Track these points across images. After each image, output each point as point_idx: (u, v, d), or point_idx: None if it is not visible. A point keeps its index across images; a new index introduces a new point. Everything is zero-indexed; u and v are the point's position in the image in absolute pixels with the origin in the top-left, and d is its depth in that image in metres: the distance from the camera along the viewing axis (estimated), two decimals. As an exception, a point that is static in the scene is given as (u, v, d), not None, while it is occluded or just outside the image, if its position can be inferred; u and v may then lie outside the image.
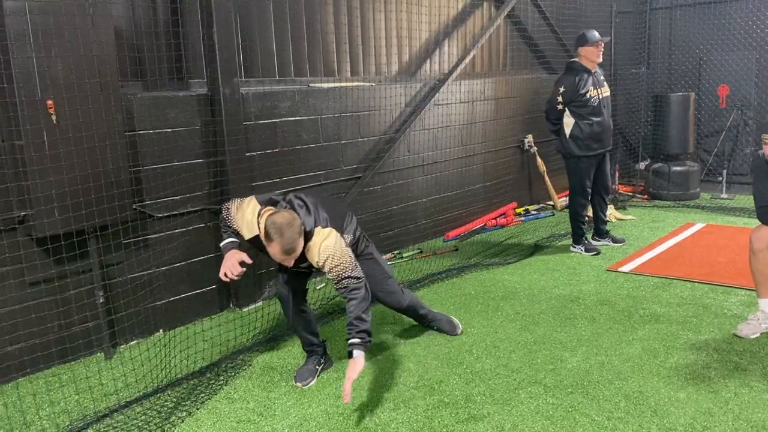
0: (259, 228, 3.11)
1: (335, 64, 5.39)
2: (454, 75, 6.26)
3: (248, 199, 3.32)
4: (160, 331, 4.31)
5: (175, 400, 3.38)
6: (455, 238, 6.45)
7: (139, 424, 3.14)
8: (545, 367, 3.57)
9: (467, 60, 6.40)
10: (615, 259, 5.48)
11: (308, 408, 3.26)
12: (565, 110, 5.49)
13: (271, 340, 4.10)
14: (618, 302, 4.49)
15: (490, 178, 7.05)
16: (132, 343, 4.15)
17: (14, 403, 3.40)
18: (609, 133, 5.61)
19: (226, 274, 3.26)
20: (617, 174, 8.00)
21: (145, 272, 4.16)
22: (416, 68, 6.15)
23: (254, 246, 3.27)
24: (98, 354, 3.97)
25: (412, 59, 6.10)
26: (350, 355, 3.04)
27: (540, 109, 6.60)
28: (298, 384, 3.49)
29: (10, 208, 3.56)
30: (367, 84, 5.59)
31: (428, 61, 6.25)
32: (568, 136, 5.52)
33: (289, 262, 3.08)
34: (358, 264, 3.17)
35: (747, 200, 7.04)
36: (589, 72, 5.45)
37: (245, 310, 4.66)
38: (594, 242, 5.87)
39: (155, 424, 3.13)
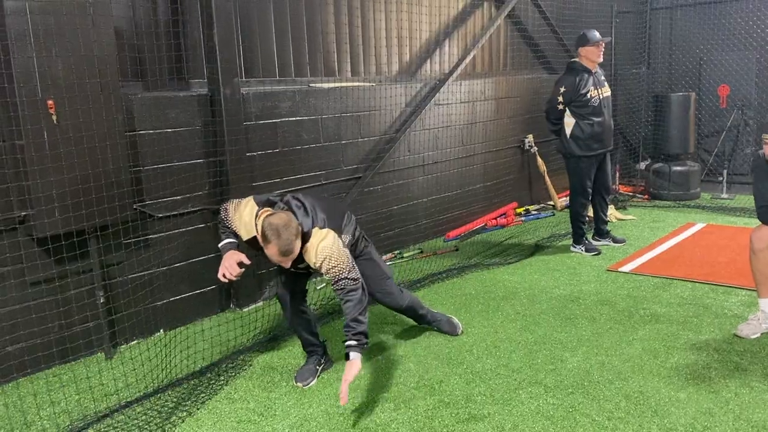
0: (256, 229, 3.11)
1: (336, 64, 5.39)
2: (455, 75, 6.26)
3: (246, 199, 3.31)
4: (161, 331, 4.31)
5: (175, 400, 3.38)
6: (456, 238, 6.45)
7: (140, 424, 3.14)
8: (546, 367, 3.57)
9: (468, 60, 6.40)
10: (615, 259, 5.48)
11: (309, 408, 3.26)
12: (565, 110, 5.49)
13: (271, 340, 4.10)
14: (618, 302, 4.49)
15: (490, 178, 7.05)
16: (132, 343, 4.15)
17: (15, 403, 3.40)
18: (609, 133, 5.61)
19: (224, 275, 3.26)
20: (618, 174, 8.00)
21: (145, 272, 4.16)
22: (417, 68, 6.15)
23: (252, 247, 3.26)
24: (99, 354, 3.97)
25: (413, 59, 6.10)
26: (347, 357, 3.03)
27: (540, 109, 6.60)
28: (299, 384, 3.49)
29: (10, 208, 3.57)
30: (368, 84, 5.59)
31: (429, 61, 6.25)
32: (568, 136, 5.52)
33: (287, 264, 3.07)
34: (355, 265, 3.16)
35: (747, 200, 7.03)
36: (589, 72, 5.45)
37: (245, 310, 4.66)
38: (594, 242, 5.87)
39: (156, 424, 3.13)
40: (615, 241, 5.93)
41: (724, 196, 7.81)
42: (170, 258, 4.31)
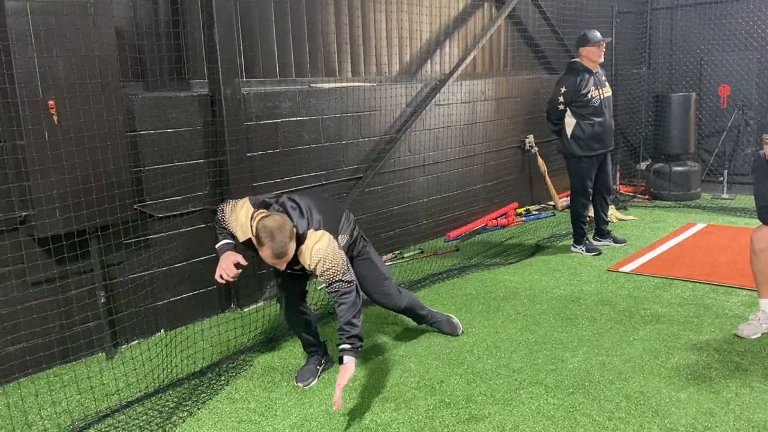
0: (252, 231, 3.10)
1: (336, 64, 5.39)
2: (455, 75, 6.26)
3: (242, 201, 3.30)
4: (161, 331, 4.32)
5: (176, 400, 3.39)
6: (456, 238, 6.45)
7: (141, 424, 3.14)
8: (546, 367, 3.57)
9: (468, 60, 6.40)
10: (616, 260, 5.48)
11: (309, 408, 3.27)
12: (566, 110, 5.49)
13: (272, 340, 4.10)
14: (619, 302, 4.49)
15: (491, 179, 7.05)
16: (133, 343, 4.15)
17: (16, 403, 3.41)
18: (610, 133, 5.61)
19: (221, 276, 3.25)
20: (618, 174, 7.99)
21: (146, 272, 4.17)
22: (417, 68, 6.15)
23: (249, 248, 3.25)
24: (100, 354, 3.98)
25: (413, 59, 6.11)
26: (340, 360, 3.02)
27: (541, 110, 6.61)
28: (300, 384, 3.50)
29: (11, 208, 3.57)
30: (368, 84, 5.59)
31: (429, 61, 6.26)
32: (569, 137, 5.52)
33: (281, 266, 3.06)
34: (350, 268, 3.14)
35: (748, 200, 7.03)
36: (590, 72, 5.45)
37: (246, 310, 4.66)
38: (595, 242, 5.87)
39: (156, 424, 3.13)
40: (616, 241, 5.93)
41: (725, 196, 7.81)
42: (171, 258, 4.31)
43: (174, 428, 3.12)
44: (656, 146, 8.14)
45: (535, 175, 7.59)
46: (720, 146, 8.07)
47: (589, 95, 5.41)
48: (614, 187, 7.26)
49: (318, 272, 3.07)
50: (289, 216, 3.09)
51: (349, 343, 3.02)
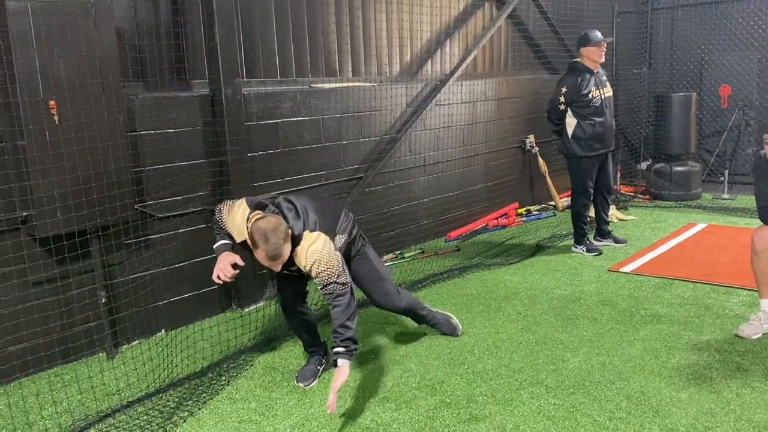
0: (248, 232, 3.10)
1: (337, 64, 5.39)
2: (456, 75, 6.26)
3: (239, 202, 3.29)
4: (162, 331, 4.32)
5: (177, 400, 3.39)
6: (457, 238, 6.45)
7: (141, 424, 3.14)
8: (547, 367, 3.57)
9: (469, 60, 6.40)
10: (616, 260, 5.48)
11: (310, 408, 3.27)
12: (567, 110, 5.48)
13: (272, 340, 4.11)
14: (619, 302, 4.49)
15: (491, 179, 7.05)
16: (134, 343, 4.15)
17: (17, 402, 3.41)
18: (611, 133, 5.61)
19: (218, 277, 3.24)
20: (619, 174, 7.99)
21: (146, 272, 4.17)
22: (418, 69, 6.15)
23: (246, 249, 3.24)
24: (100, 354, 3.98)
25: (414, 60, 6.11)
26: (335, 364, 3.01)
27: (541, 110, 6.61)
28: (300, 384, 3.50)
29: (12, 208, 3.57)
30: (369, 84, 5.59)
31: (430, 61, 6.26)
32: (570, 137, 5.52)
33: (277, 268, 3.05)
34: (346, 269, 3.12)
35: (749, 200, 7.03)
36: (591, 72, 5.45)
37: (247, 310, 4.66)
38: (596, 242, 5.87)
39: (157, 424, 3.13)
40: (616, 241, 5.93)
41: (726, 196, 7.80)
42: (171, 258, 4.31)
43: (175, 428, 3.12)
44: (657, 146, 8.14)
45: (536, 175, 7.59)
46: (721, 146, 8.07)
47: (590, 95, 5.41)
48: (615, 187, 7.26)
49: (313, 274, 3.06)
50: (285, 217, 3.08)
51: (343, 346, 3.01)
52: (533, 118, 7.39)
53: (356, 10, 5.48)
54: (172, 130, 4.23)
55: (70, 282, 3.83)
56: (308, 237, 3.08)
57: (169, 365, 3.71)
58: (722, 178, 7.96)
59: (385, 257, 5.72)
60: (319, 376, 3.58)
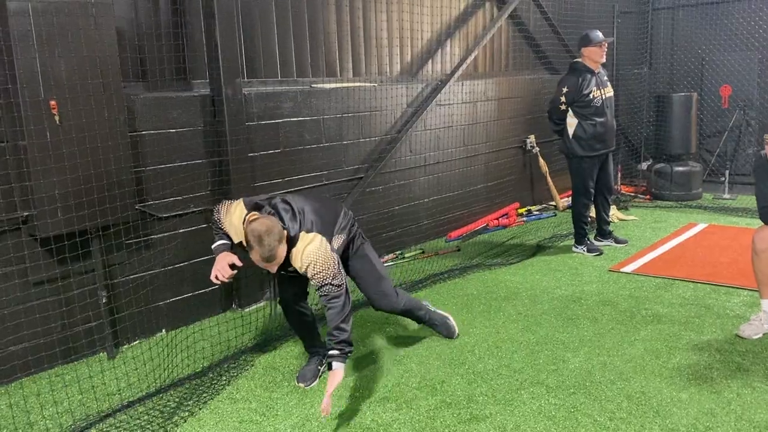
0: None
1: (337, 64, 5.40)
2: (456, 75, 6.26)
3: (236, 202, 3.29)
4: (163, 331, 4.32)
5: (177, 400, 3.39)
6: (457, 238, 6.45)
7: (142, 423, 3.14)
8: (547, 367, 3.57)
9: (469, 60, 6.40)
10: (617, 260, 5.48)
11: (310, 408, 3.27)
12: (568, 110, 5.49)
13: (273, 340, 4.11)
14: (620, 303, 4.49)
15: (492, 179, 7.05)
16: (134, 343, 4.16)
17: (18, 402, 3.41)
18: (612, 133, 5.61)
19: (216, 277, 3.24)
20: (619, 174, 7.99)
21: (147, 272, 4.17)
22: (418, 69, 6.15)
23: (244, 249, 3.24)
24: (101, 354, 3.98)
25: (414, 60, 6.11)
26: (329, 366, 3.01)
27: (542, 110, 6.61)
28: (301, 384, 3.50)
29: (13, 208, 3.57)
30: (370, 84, 5.59)
31: (430, 61, 6.26)
32: (571, 137, 5.52)
33: (272, 269, 3.05)
34: (342, 271, 3.11)
35: (749, 200, 7.03)
36: (592, 72, 5.45)
37: (247, 310, 4.66)
38: (596, 243, 5.86)
39: (158, 424, 3.13)
40: (617, 241, 5.93)
41: (726, 196, 7.80)
42: (172, 258, 4.32)
43: (175, 428, 3.12)
44: (657, 146, 8.13)
45: (537, 175, 7.59)
46: (721, 146, 8.07)
47: (591, 95, 5.41)
48: (615, 187, 7.26)
49: (309, 275, 3.06)
50: (281, 218, 3.07)
51: (338, 349, 3.01)
52: (534, 118, 7.39)
53: (357, 10, 5.48)
54: (173, 130, 4.23)
55: (71, 282, 3.84)
56: (304, 238, 3.07)
57: (170, 365, 3.71)
58: (723, 179, 7.96)
59: (386, 257, 5.73)
60: (320, 376, 3.57)
